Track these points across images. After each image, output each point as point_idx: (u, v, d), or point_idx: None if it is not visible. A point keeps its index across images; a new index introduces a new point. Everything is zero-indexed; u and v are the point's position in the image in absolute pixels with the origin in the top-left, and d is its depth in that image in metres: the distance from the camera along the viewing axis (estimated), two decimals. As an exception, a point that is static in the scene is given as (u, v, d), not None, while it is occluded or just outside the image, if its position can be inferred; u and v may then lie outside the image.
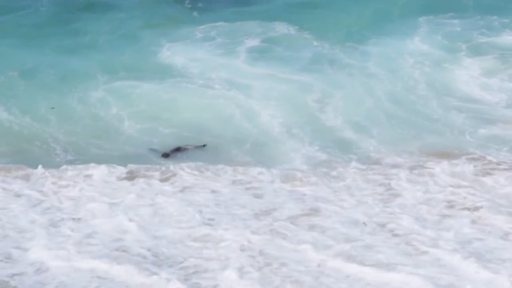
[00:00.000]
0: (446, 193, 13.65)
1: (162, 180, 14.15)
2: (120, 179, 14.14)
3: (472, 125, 16.36)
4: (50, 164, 14.64)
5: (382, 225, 12.64)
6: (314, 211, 13.06)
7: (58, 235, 12.27)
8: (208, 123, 16.45)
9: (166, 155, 15.11)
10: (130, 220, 12.67)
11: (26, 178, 14.11)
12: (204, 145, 15.41)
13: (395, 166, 14.67)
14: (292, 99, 17.54)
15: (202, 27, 21.68)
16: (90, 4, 23.01)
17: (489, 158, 14.89)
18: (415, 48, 20.25)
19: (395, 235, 12.37)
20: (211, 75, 18.76)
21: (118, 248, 11.95)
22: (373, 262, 11.61)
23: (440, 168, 14.38)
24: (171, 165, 14.59)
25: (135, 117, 16.60)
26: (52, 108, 16.80)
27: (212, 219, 12.80)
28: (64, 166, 14.44)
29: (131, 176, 14.21)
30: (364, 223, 12.56)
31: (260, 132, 16.14)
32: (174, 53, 20.02)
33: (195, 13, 22.84)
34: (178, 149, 15.30)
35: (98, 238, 12.21)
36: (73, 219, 12.76)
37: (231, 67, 19.30)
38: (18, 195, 13.54)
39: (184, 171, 14.39)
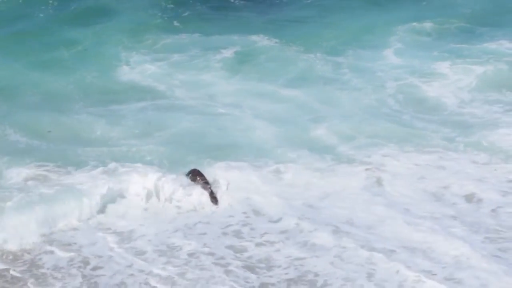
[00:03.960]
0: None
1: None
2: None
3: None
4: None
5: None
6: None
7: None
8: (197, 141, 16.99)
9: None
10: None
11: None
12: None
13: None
14: (279, 114, 18.34)
15: (179, 39, 22.74)
16: (89, 10, 24.20)
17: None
18: (397, 61, 21.33)
19: None
20: (190, 92, 19.52)
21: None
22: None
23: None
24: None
25: (134, 138, 17.08)
26: (49, 131, 17.15)
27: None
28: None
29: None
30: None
31: (256, 145, 16.77)
32: (148, 68, 20.81)
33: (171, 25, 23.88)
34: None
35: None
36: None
37: (212, 82, 20.12)
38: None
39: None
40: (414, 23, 23.66)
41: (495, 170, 15.79)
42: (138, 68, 20.79)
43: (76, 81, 19.87)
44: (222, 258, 13.06)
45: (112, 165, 15.52)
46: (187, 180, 15.06)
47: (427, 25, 23.68)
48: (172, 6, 25.28)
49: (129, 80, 20.12)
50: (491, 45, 22.25)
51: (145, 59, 21.35)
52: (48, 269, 12.78)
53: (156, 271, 12.71)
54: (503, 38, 22.68)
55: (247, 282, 12.45)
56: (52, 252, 13.20)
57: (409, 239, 13.45)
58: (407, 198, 14.87)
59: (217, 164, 15.63)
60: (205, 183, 14.90)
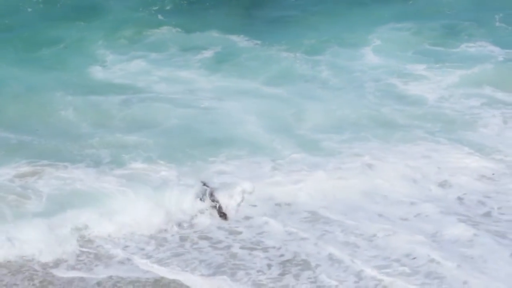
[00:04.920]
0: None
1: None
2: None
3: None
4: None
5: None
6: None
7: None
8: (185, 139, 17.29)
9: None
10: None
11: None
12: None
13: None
14: (264, 110, 18.81)
15: (161, 36, 23.52)
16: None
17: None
18: (378, 60, 22.01)
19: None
20: (172, 87, 20.04)
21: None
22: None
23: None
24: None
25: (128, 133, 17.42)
26: (37, 130, 17.50)
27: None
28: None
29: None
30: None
31: (250, 140, 17.30)
32: (130, 65, 21.44)
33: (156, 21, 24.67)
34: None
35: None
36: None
37: (195, 79, 20.71)
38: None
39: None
40: (398, 24, 24.42)
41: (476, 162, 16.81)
42: (119, 66, 21.33)
43: (57, 78, 20.26)
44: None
45: (107, 162, 16.05)
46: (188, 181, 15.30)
47: (410, 25, 24.38)
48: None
49: (110, 78, 20.59)
50: (473, 46, 23.01)
51: (125, 58, 21.93)
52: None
53: (151, 254, 13.55)
54: (485, 39, 23.45)
55: (254, 263, 13.33)
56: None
57: (386, 224, 14.38)
58: (387, 186, 15.78)
59: (216, 163, 16.19)
60: (213, 200, 14.87)
